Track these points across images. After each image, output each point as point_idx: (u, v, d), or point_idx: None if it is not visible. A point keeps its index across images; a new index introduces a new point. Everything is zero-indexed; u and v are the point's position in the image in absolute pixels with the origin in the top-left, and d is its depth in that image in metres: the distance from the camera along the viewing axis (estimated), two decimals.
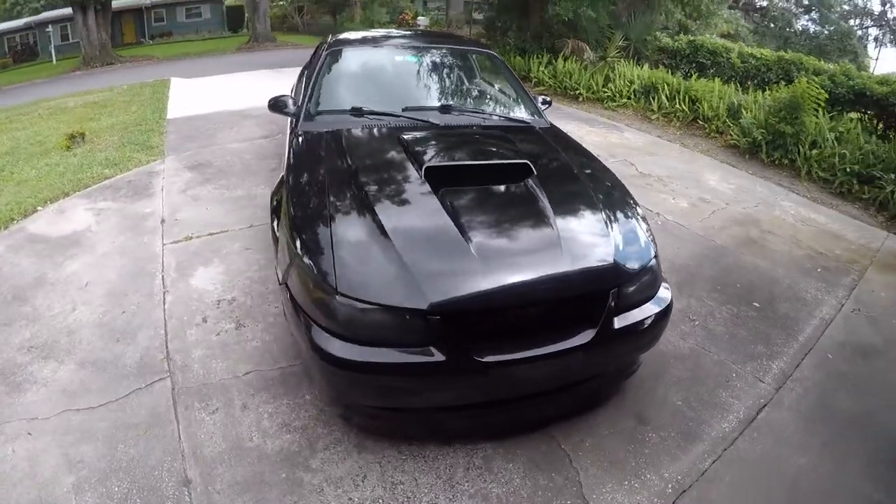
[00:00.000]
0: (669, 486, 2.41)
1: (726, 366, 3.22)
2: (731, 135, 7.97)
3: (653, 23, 9.50)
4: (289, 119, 3.81)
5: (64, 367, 2.91)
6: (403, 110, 3.60)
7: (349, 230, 2.47)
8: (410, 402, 2.43)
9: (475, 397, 2.42)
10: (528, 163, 2.92)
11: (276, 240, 3.04)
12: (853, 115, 7.37)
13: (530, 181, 2.84)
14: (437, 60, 4.31)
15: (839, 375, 3.26)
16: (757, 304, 3.90)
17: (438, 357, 2.17)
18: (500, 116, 3.93)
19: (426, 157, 2.94)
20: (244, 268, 3.85)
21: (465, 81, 4.33)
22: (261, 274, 3.78)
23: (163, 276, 3.70)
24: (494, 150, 3.28)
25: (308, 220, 2.61)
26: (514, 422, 2.61)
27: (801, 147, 7.18)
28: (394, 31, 6.45)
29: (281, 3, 15.49)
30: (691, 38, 9.61)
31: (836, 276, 4.63)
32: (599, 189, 3.04)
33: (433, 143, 3.29)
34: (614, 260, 2.51)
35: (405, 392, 2.33)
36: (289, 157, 3.30)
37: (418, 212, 2.63)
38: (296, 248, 2.45)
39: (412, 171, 2.86)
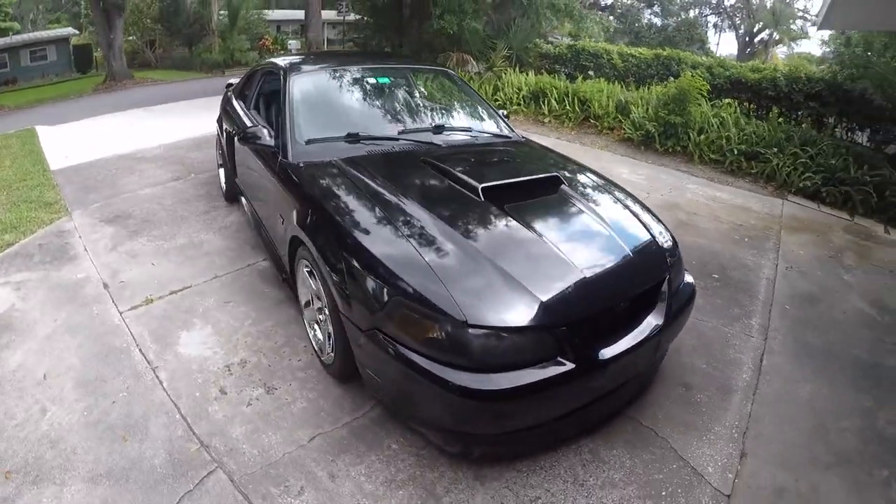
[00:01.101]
0: (733, 430, 2.76)
1: (721, 329, 3.62)
2: (624, 130, 8.57)
3: (532, 31, 9.92)
4: (253, 149, 3.58)
5: (69, 489, 2.28)
6: (400, 133, 3.50)
7: (447, 259, 2.33)
8: (543, 416, 2.36)
9: (591, 396, 2.46)
10: (558, 175, 3.09)
11: (338, 291, 2.49)
12: (727, 100, 8.26)
13: (563, 190, 3.01)
14: (405, 81, 4.15)
15: (800, 321, 3.86)
16: (716, 276, 4.37)
17: (568, 365, 2.18)
18: (485, 133, 3.92)
19: (471, 178, 2.85)
20: (236, 324, 3.35)
21: (439, 101, 4.21)
22: (259, 328, 3.32)
23: (141, 351, 3.09)
24: (517, 165, 3.43)
25: (393, 257, 2.33)
26: (603, 413, 2.68)
27: (690, 134, 7.90)
28: (341, 54, 6.11)
29: (130, 38, 14.00)
30: (571, 42, 10.19)
31: (761, 242, 5.25)
32: (613, 190, 3.29)
33: (458, 163, 3.13)
34: (661, 249, 2.80)
35: (542, 407, 2.28)
36: (302, 192, 2.96)
37: (501, 231, 2.58)
38: (393, 289, 2.22)
39: (465, 192, 2.80)
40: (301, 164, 3.16)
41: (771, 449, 2.65)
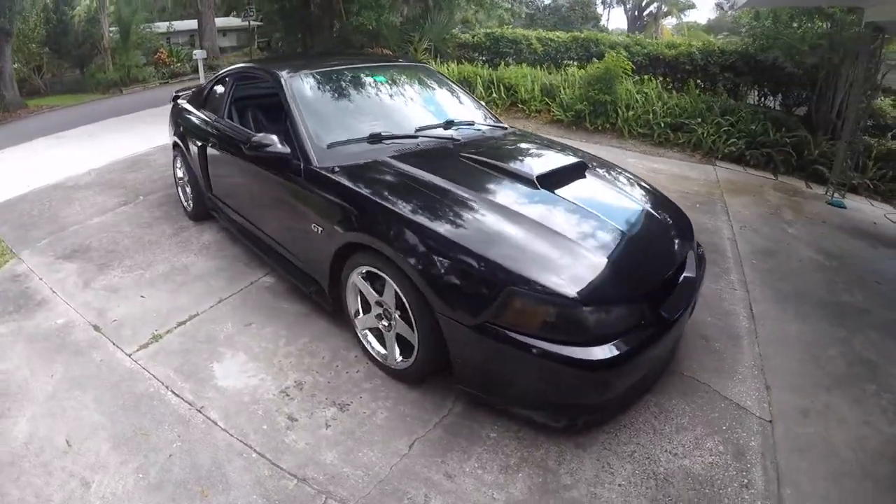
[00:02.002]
0: (753, 369, 3.04)
1: (710, 287, 3.81)
2: (552, 112, 8.74)
3: (450, 22, 9.84)
4: (255, 159, 3.29)
5: None
6: (417, 130, 3.37)
7: (542, 246, 2.35)
8: (633, 378, 2.43)
9: (663, 353, 2.62)
10: (583, 160, 3.24)
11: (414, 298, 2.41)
12: (647, 76, 8.64)
13: (592, 174, 3.16)
14: (397, 78, 3.96)
15: (768, 272, 4.21)
16: None
17: (651, 328, 2.33)
18: (485, 125, 3.85)
19: (523, 169, 2.91)
20: (270, 346, 3.03)
21: (434, 96, 4.04)
22: (297, 346, 3.03)
23: (175, 392, 2.68)
24: (538, 153, 3.45)
25: (495, 250, 2.29)
26: (660, 370, 2.82)
27: (619, 111, 8.20)
28: (325, 54, 5.63)
29: (15, 65, 12.27)
30: (488, 30, 10.21)
31: (711, 206, 5.59)
32: (621, 171, 3.48)
33: (495, 156, 3.13)
34: (686, 217, 3.11)
35: (634, 370, 2.35)
36: (357, 195, 2.70)
37: (571, 215, 2.64)
38: (504, 281, 2.17)
39: (521, 182, 2.82)
40: (337, 168, 2.92)
41: (784, 379, 2.97)
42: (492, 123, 3.91)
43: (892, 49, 6.39)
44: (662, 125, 7.90)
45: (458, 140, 3.36)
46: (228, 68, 4.34)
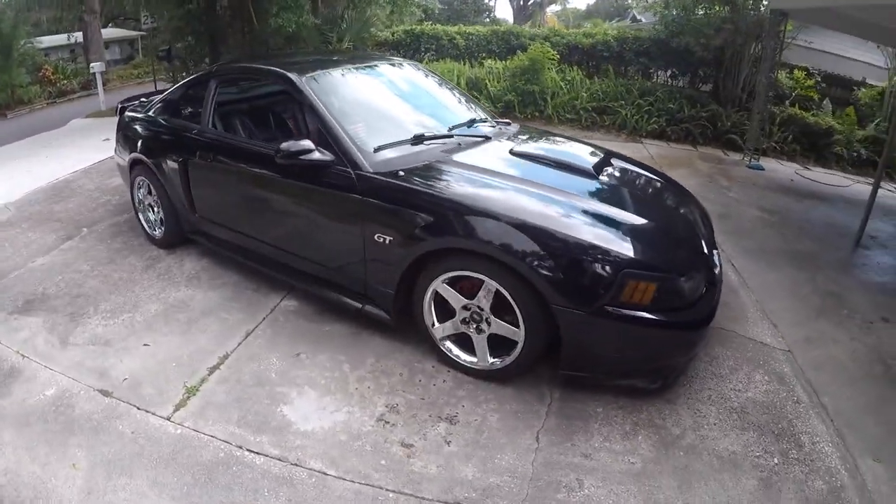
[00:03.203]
0: (758, 312, 3.39)
1: None
2: (482, 103, 8.58)
3: (369, 20, 9.30)
4: (288, 170, 2.82)
5: None
6: (450, 129, 3.15)
7: (633, 229, 2.42)
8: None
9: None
10: (609, 151, 3.43)
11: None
12: (565, 65, 8.71)
13: (618, 163, 3.24)
14: (403, 76, 3.64)
15: (730, 233, 4.54)
16: None
17: (713, 289, 2.52)
18: (497, 121, 3.61)
19: (574, 162, 2.93)
20: (336, 374, 2.60)
21: (439, 92, 3.70)
22: (366, 369, 2.67)
23: (251, 451, 2.13)
24: (575, 145, 3.48)
25: (602, 238, 2.29)
26: None
27: (547, 100, 8.21)
28: (325, 54, 4.92)
29: None
30: (407, 28, 9.78)
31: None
32: (631, 159, 3.52)
33: (542, 151, 3.11)
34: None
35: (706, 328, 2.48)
36: (432, 202, 2.46)
37: (635, 201, 2.77)
38: (618, 265, 2.20)
39: (580, 175, 2.82)
40: (401, 173, 2.59)
41: (784, 317, 3.34)
42: (499, 119, 3.73)
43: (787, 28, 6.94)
44: (589, 109, 8.02)
45: (491, 137, 3.17)
46: (206, 71, 3.63)
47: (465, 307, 2.46)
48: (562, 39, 8.66)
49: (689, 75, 8.51)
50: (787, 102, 7.42)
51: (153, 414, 2.36)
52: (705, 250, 2.62)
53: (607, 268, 2.17)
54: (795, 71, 7.78)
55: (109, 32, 19.22)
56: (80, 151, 6.09)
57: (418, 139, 2.85)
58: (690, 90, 8.28)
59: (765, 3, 7.26)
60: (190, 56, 9.02)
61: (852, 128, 7.48)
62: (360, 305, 2.81)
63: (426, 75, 3.84)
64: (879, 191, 6.87)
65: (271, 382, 2.55)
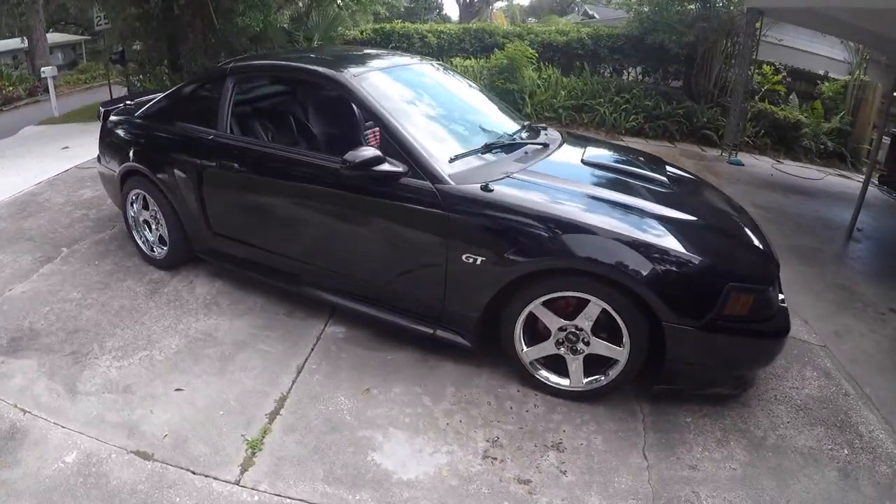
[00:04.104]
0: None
1: None
2: None
3: (337, 18, 8.74)
4: (345, 183, 2.46)
5: None
6: (511, 136, 2.88)
7: (724, 243, 2.40)
8: None
9: None
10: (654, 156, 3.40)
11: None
12: (541, 63, 8.48)
13: (670, 169, 3.10)
14: (437, 76, 3.30)
15: None
16: None
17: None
18: (535, 124, 3.35)
19: (647, 173, 2.76)
20: (420, 410, 2.28)
21: (472, 94, 3.35)
22: (449, 402, 2.36)
23: None
24: (630, 153, 3.40)
25: (706, 252, 2.21)
26: None
27: (525, 98, 7.98)
28: (342, 50, 4.38)
29: None
30: (375, 26, 9.27)
31: None
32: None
33: (607, 161, 2.90)
34: None
35: None
36: (536, 219, 2.20)
37: (713, 212, 2.68)
38: (725, 278, 2.12)
39: (658, 185, 2.65)
40: (491, 187, 2.29)
41: (810, 313, 3.34)
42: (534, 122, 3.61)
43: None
44: (567, 107, 7.85)
45: (548, 144, 2.87)
46: (219, 69, 3.11)
47: (560, 328, 2.27)
48: (536, 37, 8.44)
49: (660, 72, 8.51)
50: (756, 98, 7.53)
51: (216, 479, 1.91)
52: (777, 259, 2.51)
53: (715, 282, 2.12)
54: (763, 66, 7.92)
55: (52, 37, 17.83)
56: (39, 161, 5.30)
57: (488, 148, 2.58)
58: (664, 87, 8.28)
59: None
60: (147, 59, 8.20)
61: (819, 121, 7.68)
62: (430, 330, 2.48)
63: (453, 74, 3.49)
64: (850, 182, 7.15)
65: (348, 426, 2.15)
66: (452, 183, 2.29)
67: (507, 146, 2.69)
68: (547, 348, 2.33)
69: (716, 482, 2.05)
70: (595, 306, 2.16)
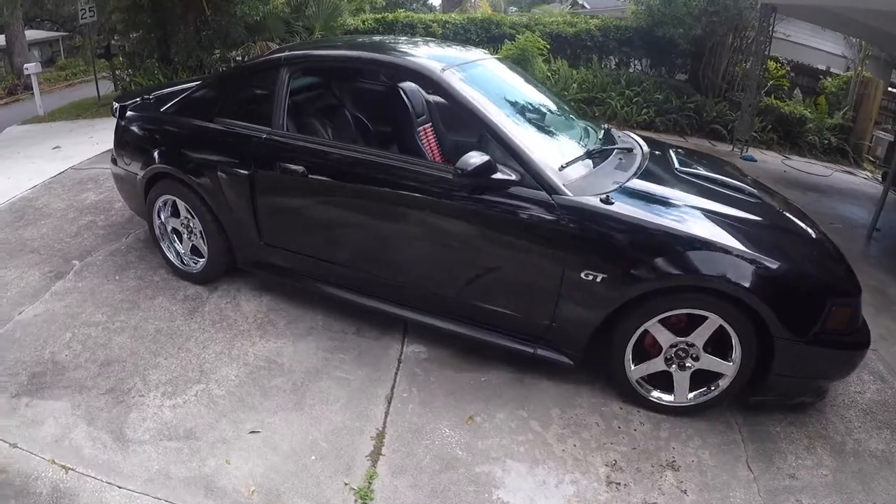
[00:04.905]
0: None
1: None
2: None
3: (339, 6, 8.25)
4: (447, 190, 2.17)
5: None
6: (601, 139, 2.66)
7: (817, 255, 2.32)
8: None
9: None
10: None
11: None
12: (550, 54, 8.15)
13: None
14: (508, 73, 2.97)
15: None
16: None
17: None
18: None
19: (733, 181, 2.60)
20: (532, 436, 2.02)
21: (541, 91, 3.00)
22: (559, 424, 2.08)
23: None
24: (704, 158, 3.20)
25: (808, 267, 2.19)
26: None
27: None
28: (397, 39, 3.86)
29: None
30: (378, 16, 8.79)
31: None
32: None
33: (700, 170, 2.67)
34: None
35: None
36: (662, 234, 2.03)
37: (799, 222, 2.50)
38: (827, 296, 2.08)
39: (747, 195, 2.50)
40: (611, 199, 2.07)
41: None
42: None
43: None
44: (578, 100, 7.56)
45: (632, 149, 2.63)
46: (270, 58, 2.67)
47: (671, 345, 2.16)
48: (544, 28, 8.11)
49: (667, 65, 8.30)
50: (762, 93, 7.38)
51: None
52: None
53: (821, 297, 2.08)
54: (768, 61, 7.78)
55: (29, 34, 16.70)
56: (29, 163, 4.69)
57: (588, 154, 2.39)
58: (674, 80, 8.07)
59: None
60: (136, 52, 7.57)
61: (823, 116, 7.58)
62: (531, 350, 2.21)
63: (513, 69, 3.15)
64: (856, 179, 7.07)
65: (462, 462, 1.83)
66: (570, 194, 2.06)
67: (601, 151, 2.46)
68: (655, 365, 2.20)
69: (813, 490, 2.01)
70: (713, 322, 2.07)
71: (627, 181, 2.26)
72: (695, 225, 2.09)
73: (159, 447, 1.89)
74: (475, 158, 2.02)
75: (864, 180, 6.95)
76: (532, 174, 2.08)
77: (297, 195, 2.47)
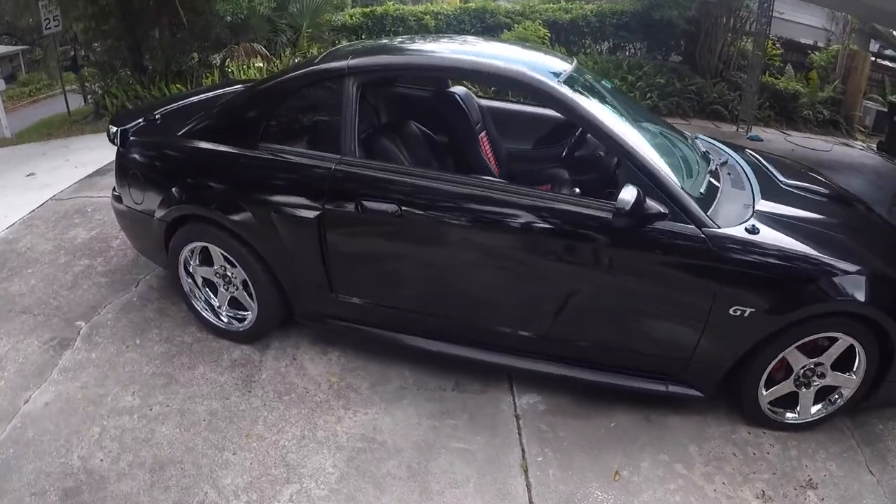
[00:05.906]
0: None
1: None
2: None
3: (323, 3, 7.58)
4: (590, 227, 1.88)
5: None
6: (704, 154, 2.37)
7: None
8: None
9: None
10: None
11: None
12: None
13: None
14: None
15: None
16: None
17: None
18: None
19: (831, 189, 2.52)
20: (683, 482, 1.84)
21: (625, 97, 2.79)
22: (699, 462, 1.90)
23: None
24: (806, 171, 3.00)
25: None
26: None
27: None
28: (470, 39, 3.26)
29: None
30: (366, 10, 8.12)
31: None
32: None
33: (800, 182, 2.49)
34: None
35: None
36: (795, 260, 1.90)
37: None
38: None
39: (845, 201, 2.46)
40: (756, 229, 1.89)
41: None
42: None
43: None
44: None
45: (728, 161, 2.42)
46: (330, 65, 2.07)
47: (801, 366, 2.08)
48: (540, 16, 7.65)
49: (663, 48, 8.01)
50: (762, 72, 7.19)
51: None
52: None
53: None
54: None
55: None
56: (1, 195, 3.94)
57: (712, 174, 2.15)
58: (671, 63, 7.78)
59: None
60: (107, 62, 6.75)
61: (815, 91, 7.45)
62: (663, 387, 2.06)
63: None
64: (854, 151, 6.96)
65: None
66: (717, 227, 1.85)
67: (715, 170, 2.21)
68: (785, 388, 2.12)
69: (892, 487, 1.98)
70: (844, 342, 2.00)
71: (756, 204, 2.08)
72: (834, 248, 2.00)
73: None
74: (629, 194, 1.73)
75: (861, 152, 6.85)
76: (679, 206, 1.83)
77: (387, 238, 1.97)
